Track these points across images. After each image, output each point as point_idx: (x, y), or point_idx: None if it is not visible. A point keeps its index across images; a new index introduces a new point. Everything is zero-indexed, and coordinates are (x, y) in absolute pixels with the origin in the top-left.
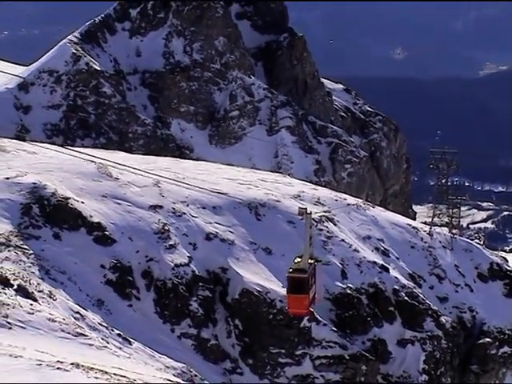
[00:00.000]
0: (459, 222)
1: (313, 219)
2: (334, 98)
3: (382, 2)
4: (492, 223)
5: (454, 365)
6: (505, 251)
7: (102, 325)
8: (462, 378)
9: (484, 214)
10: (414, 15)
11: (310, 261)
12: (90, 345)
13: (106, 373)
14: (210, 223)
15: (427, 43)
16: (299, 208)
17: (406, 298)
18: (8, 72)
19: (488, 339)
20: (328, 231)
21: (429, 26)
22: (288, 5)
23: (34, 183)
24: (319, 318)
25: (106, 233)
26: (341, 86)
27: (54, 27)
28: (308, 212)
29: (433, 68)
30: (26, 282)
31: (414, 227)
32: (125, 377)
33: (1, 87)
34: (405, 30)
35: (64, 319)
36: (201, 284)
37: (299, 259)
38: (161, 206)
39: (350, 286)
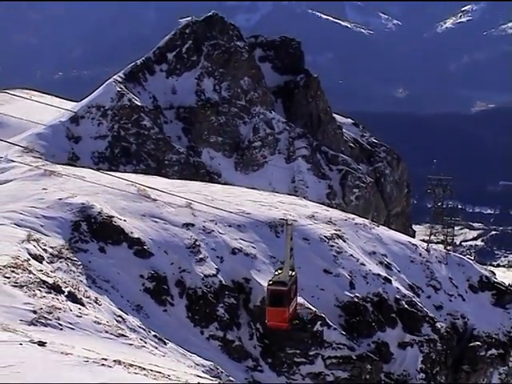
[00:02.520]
0: (453, 239)
1: (325, 236)
2: (344, 130)
3: (386, 48)
4: (482, 241)
5: (448, 365)
6: (493, 266)
7: (140, 327)
8: (454, 377)
9: (475, 233)
10: (413, 59)
11: (292, 273)
12: (130, 344)
13: (144, 369)
14: (236, 239)
15: (425, 83)
16: (280, 219)
17: (406, 306)
18: (62, 107)
19: (478, 343)
20: (338, 247)
21: (427, 69)
22: (304, 49)
23: (83, 203)
24: (330, 323)
25: (145, 247)
26: (350, 121)
27: (101, 69)
28: (289, 223)
29: (430, 105)
30: (75, 289)
31: (413, 244)
32: (160, 373)
33: (55, 120)
34: (406, 72)
35: (108, 322)
36: (227, 292)
37: (280, 271)
38: (192, 224)
39: (357, 295)
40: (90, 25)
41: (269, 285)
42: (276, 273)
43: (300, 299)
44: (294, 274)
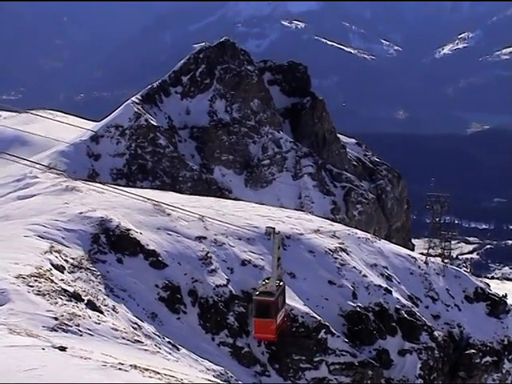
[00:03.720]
0: (450, 253)
1: (329, 249)
2: (347, 150)
3: (388, 73)
4: (477, 254)
5: (445, 371)
6: (487, 278)
7: (155, 334)
8: (451, 382)
9: (470, 247)
10: (413, 83)
11: (280, 283)
12: (145, 350)
13: (158, 373)
14: (245, 252)
15: (424, 106)
16: (266, 227)
17: (405, 315)
18: (83, 127)
19: (473, 350)
20: (342, 259)
21: (425, 92)
22: (310, 73)
23: (102, 217)
24: (334, 331)
25: (160, 258)
26: (353, 140)
27: (120, 91)
28: (276, 232)
29: (429, 126)
30: (94, 297)
31: (412, 257)
32: (173, 377)
33: (77, 139)
34: (406, 94)
35: (124, 329)
36: (236, 301)
37: (267, 281)
38: (205, 237)
39: (360, 305)
40: (110, 50)
41: (255, 295)
42: (263, 283)
43: (305, 308)
44: (281, 284)
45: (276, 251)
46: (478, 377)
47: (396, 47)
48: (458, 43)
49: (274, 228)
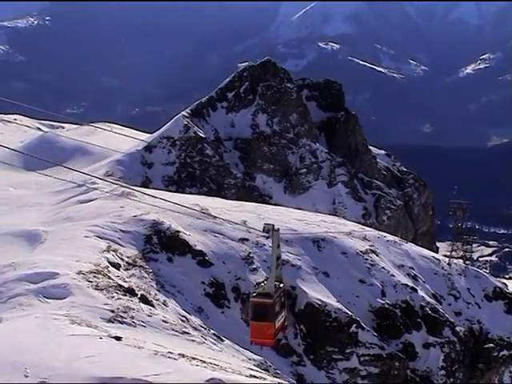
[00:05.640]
0: (471, 255)
1: (360, 251)
2: (378, 160)
3: (415, 90)
4: (496, 257)
5: (465, 363)
6: (505, 278)
7: (201, 326)
8: (471, 374)
9: (490, 250)
10: (438, 99)
11: (280, 285)
12: (193, 341)
13: (204, 362)
14: (283, 252)
15: (448, 120)
16: (264, 224)
17: (429, 312)
18: (138, 138)
19: (491, 344)
20: (372, 260)
21: (449, 108)
22: (344, 90)
23: (154, 220)
24: (364, 326)
25: (206, 258)
26: (383, 152)
27: (171, 106)
28: (275, 229)
29: (452, 139)
30: (146, 292)
31: (436, 259)
32: (217, 365)
33: (132, 149)
34: (431, 110)
35: (174, 321)
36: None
37: (265, 282)
38: (247, 239)
39: (388, 302)
40: (163, 69)
41: (252, 297)
42: (262, 284)
43: (338, 305)
44: (281, 286)
45: (275, 250)
46: (496, 369)
47: (423, 67)
48: (479, 63)
49: (272, 225)
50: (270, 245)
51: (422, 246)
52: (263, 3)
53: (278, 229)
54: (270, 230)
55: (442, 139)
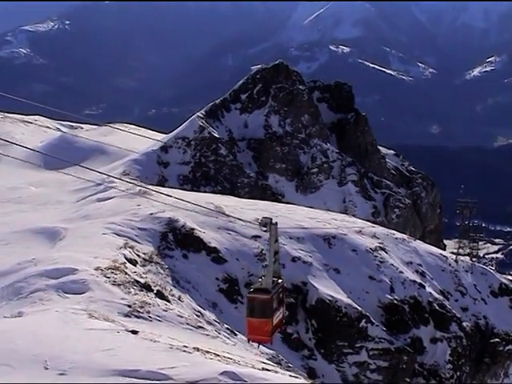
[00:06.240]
0: (477, 252)
1: (370, 248)
2: (387, 160)
3: (423, 92)
4: (501, 254)
5: (472, 357)
6: (511, 275)
7: (215, 321)
8: (477, 367)
9: (496, 248)
10: (446, 101)
11: (279, 280)
12: (207, 335)
13: (218, 355)
14: (295, 249)
15: (455, 121)
16: (262, 218)
17: (437, 307)
18: (154, 138)
19: (497, 339)
20: (381, 257)
21: (457, 109)
22: (354, 92)
23: (170, 218)
24: (373, 321)
25: (220, 255)
26: (392, 152)
27: (186, 107)
28: (273, 222)
29: (459, 139)
30: (162, 288)
31: (444, 256)
32: (231, 359)
33: (148, 149)
34: (439, 111)
35: (188, 316)
36: (287, 293)
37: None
38: (260, 236)
39: (397, 298)
40: (178, 71)
41: (248, 292)
42: (259, 279)
43: (348, 300)
44: (280, 281)
45: (273, 244)
46: (502, 363)
47: (431, 69)
48: (486, 66)
49: (270, 218)
50: (282, 242)
51: (429, 244)
52: (276, 8)
53: (276, 222)
54: (267, 224)
55: (450, 140)
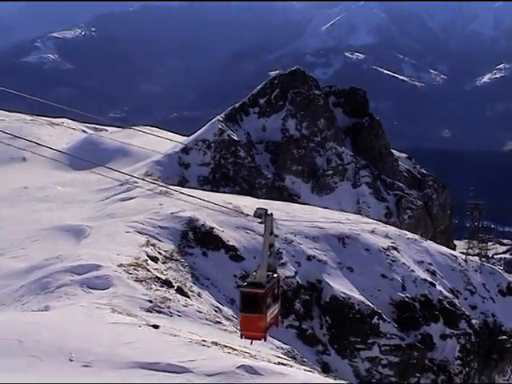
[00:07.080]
0: (486, 253)
1: (383, 248)
2: (399, 163)
3: (435, 97)
4: (510, 254)
5: (480, 354)
6: None
7: (233, 316)
8: (485, 364)
9: (504, 248)
10: (457, 106)
11: (274, 275)
12: (225, 330)
13: (235, 349)
14: (310, 248)
15: (466, 126)
16: (257, 208)
17: (447, 305)
18: (175, 140)
19: (505, 336)
20: (393, 256)
21: (467, 114)
22: (368, 97)
23: (190, 217)
24: (385, 318)
25: (238, 253)
26: (404, 155)
27: (207, 111)
28: (268, 213)
29: (470, 143)
30: (182, 284)
31: (454, 256)
32: (248, 353)
33: (170, 150)
34: (450, 116)
35: (207, 311)
36: (302, 291)
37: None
38: (276, 235)
39: (408, 295)
40: (199, 76)
41: (242, 286)
42: (254, 273)
43: (361, 298)
44: (275, 275)
45: (268, 237)
46: (509, 359)
47: (442, 76)
48: (495, 73)
49: (266, 209)
50: (298, 241)
51: (440, 244)
52: (295, 16)
53: (272, 213)
54: (262, 215)
55: (460, 143)
